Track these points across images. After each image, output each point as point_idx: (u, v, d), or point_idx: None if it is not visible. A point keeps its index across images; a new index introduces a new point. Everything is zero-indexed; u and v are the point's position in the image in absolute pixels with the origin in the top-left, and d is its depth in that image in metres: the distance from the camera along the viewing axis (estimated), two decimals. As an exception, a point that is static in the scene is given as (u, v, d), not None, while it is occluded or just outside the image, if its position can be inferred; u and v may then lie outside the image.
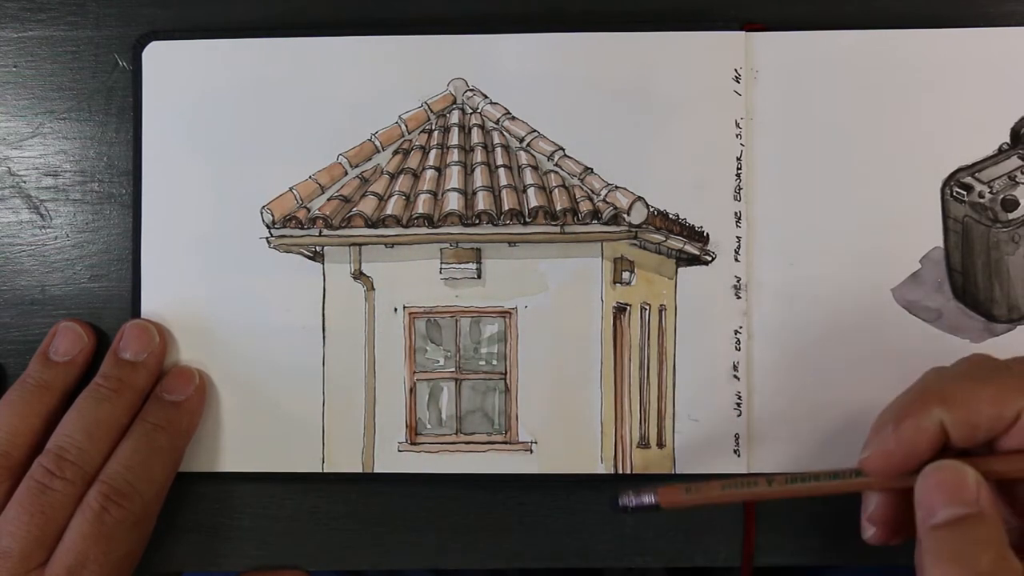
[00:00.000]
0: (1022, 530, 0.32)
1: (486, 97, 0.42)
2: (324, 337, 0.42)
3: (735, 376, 0.41)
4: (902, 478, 0.33)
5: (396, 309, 0.42)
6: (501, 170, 0.42)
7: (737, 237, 0.41)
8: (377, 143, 0.42)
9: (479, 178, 0.42)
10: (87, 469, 0.38)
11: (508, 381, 0.42)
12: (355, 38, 0.42)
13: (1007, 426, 0.31)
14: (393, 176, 0.42)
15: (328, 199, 0.42)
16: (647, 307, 0.42)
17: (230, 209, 0.42)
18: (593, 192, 0.41)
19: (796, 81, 0.42)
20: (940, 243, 0.41)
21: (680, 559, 0.42)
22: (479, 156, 0.42)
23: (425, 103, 0.42)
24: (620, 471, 0.41)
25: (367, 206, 0.42)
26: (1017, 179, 0.41)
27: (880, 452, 0.32)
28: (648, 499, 0.37)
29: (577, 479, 0.42)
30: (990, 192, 0.41)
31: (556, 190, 0.41)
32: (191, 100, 0.42)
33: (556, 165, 0.42)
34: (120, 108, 0.43)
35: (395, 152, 0.42)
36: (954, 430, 0.31)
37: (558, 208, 0.41)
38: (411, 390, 0.42)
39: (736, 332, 0.41)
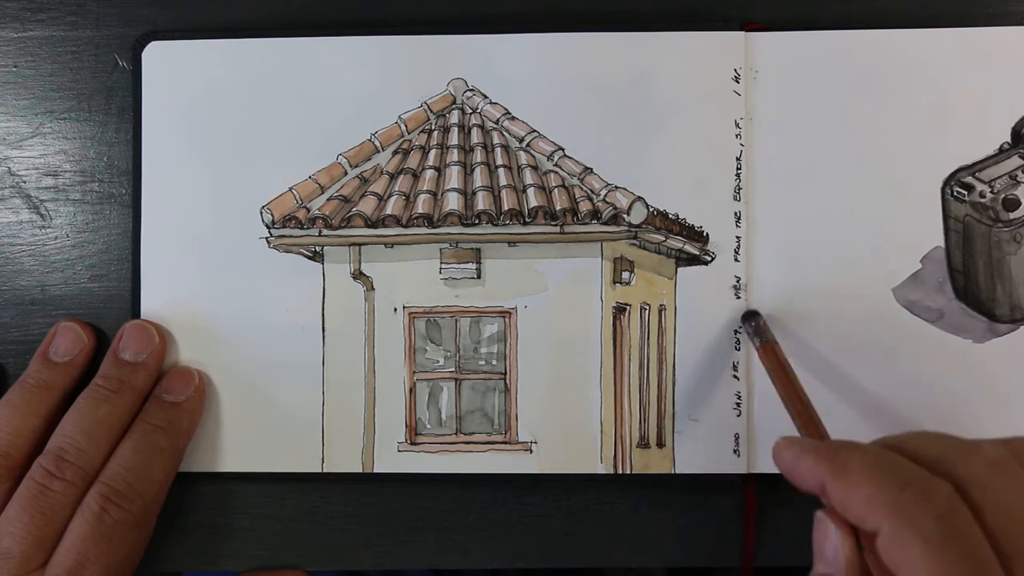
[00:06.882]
0: None
1: (486, 97, 0.42)
2: (324, 337, 0.42)
3: (735, 376, 0.41)
4: None
5: (396, 309, 0.42)
6: (501, 170, 0.42)
7: (737, 237, 0.41)
8: (377, 143, 0.42)
9: (479, 178, 0.42)
10: (87, 470, 0.38)
11: (508, 381, 0.42)
12: (355, 38, 0.42)
13: (871, 534, 0.29)
14: (393, 176, 0.42)
15: (328, 199, 0.42)
16: (647, 307, 0.42)
17: (230, 209, 0.42)
18: (593, 192, 0.41)
19: (796, 81, 0.41)
20: (941, 243, 0.41)
21: (680, 559, 0.42)
22: (479, 156, 0.42)
23: (425, 103, 0.42)
24: (620, 471, 0.41)
25: (367, 206, 0.42)
26: (1018, 178, 0.41)
27: (780, 452, 0.33)
28: (756, 342, 0.39)
29: (577, 479, 0.42)
30: (991, 192, 0.41)
31: (556, 190, 0.41)
32: (191, 100, 0.42)
33: (556, 165, 0.42)
34: (120, 108, 0.43)
35: (395, 152, 0.42)
36: (828, 500, 0.31)
37: (558, 208, 0.41)
38: (411, 390, 0.42)
39: (736, 332, 0.41)
